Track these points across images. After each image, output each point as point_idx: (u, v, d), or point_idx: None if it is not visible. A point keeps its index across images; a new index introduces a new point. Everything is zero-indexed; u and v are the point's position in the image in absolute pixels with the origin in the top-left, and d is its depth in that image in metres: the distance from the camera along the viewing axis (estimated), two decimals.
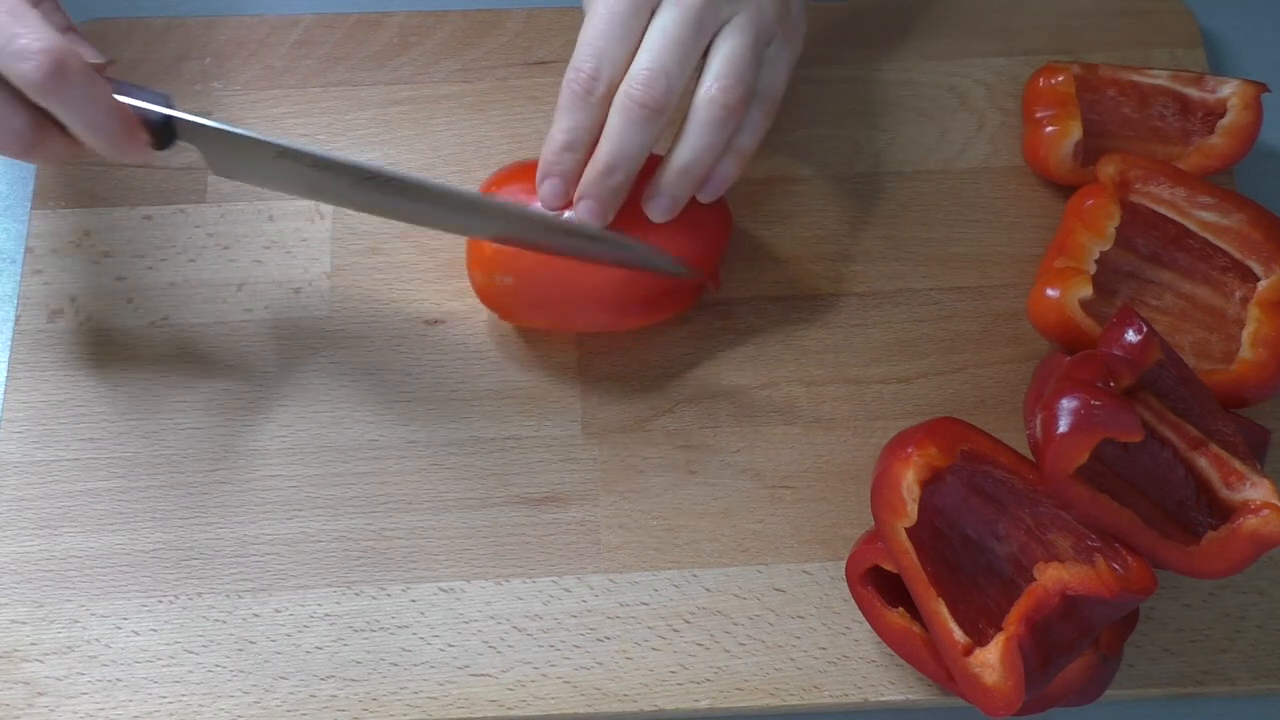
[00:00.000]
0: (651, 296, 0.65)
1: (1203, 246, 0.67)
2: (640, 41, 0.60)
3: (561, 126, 0.61)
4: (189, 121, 0.59)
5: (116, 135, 0.58)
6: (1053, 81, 0.71)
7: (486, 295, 0.66)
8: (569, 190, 0.62)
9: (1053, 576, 0.57)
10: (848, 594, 0.63)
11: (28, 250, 0.71)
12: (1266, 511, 0.56)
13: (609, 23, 0.60)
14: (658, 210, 0.63)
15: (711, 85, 0.61)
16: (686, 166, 0.62)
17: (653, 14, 0.60)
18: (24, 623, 0.63)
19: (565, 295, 0.65)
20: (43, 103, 0.56)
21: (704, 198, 0.64)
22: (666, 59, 0.60)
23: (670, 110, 0.61)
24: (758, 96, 0.63)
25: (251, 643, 0.63)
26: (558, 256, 0.63)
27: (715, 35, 0.61)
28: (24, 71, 0.54)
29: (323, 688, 0.63)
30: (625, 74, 0.60)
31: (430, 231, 0.71)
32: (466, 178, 0.72)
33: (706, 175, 0.63)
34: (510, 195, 0.64)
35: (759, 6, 0.62)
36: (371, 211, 0.64)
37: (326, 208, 0.72)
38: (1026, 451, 0.61)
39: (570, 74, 0.61)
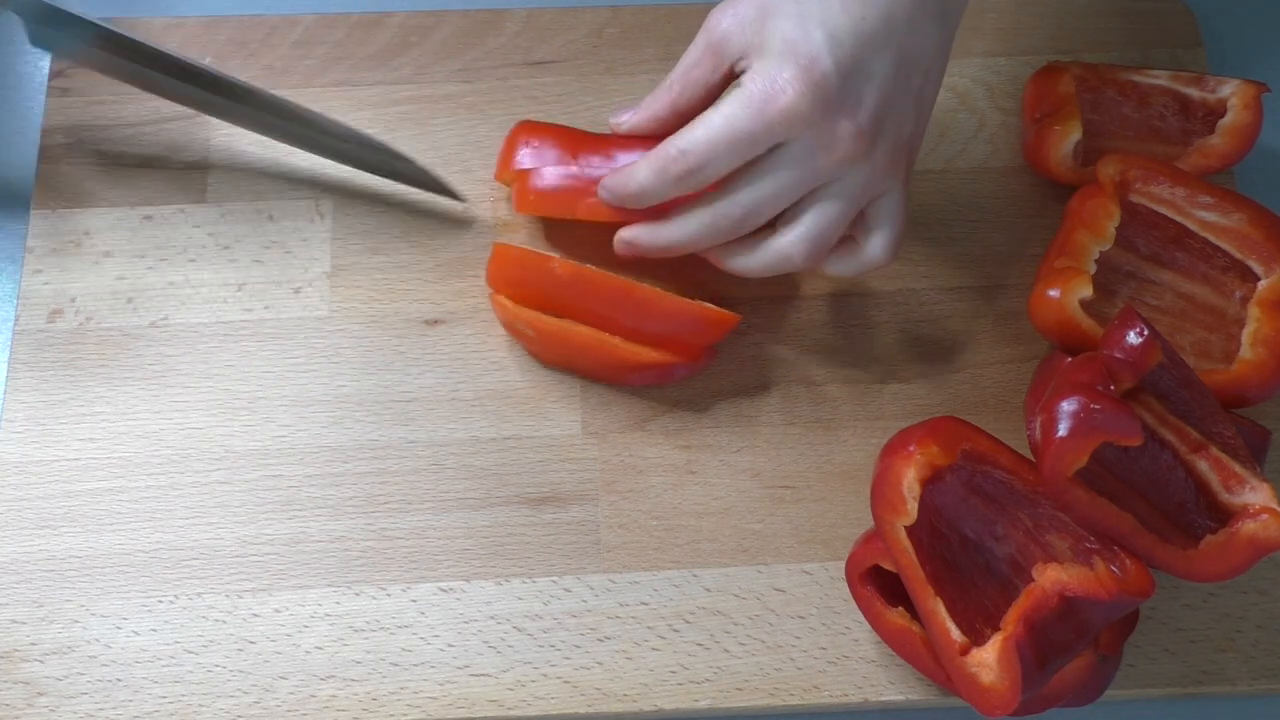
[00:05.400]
0: (661, 364, 0.66)
1: (1203, 246, 0.67)
2: (750, 161, 0.61)
3: (641, 182, 0.63)
4: None
5: None
6: (1053, 81, 0.71)
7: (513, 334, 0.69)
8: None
9: (1051, 577, 0.57)
10: (848, 594, 0.63)
11: (28, 250, 0.71)
12: (1265, 516, 0.56)
13: (738, 141, 0.60)
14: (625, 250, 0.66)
15: (799, 243, 0.62)
16: (728, 267, 0.65)
17: (776, 146, 0.61)
18: (24, 623, 0.63)
19: (577, 356, 0.67)
20: None
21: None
22: (767, 205, 0.62)
23: (748, 232, 0.63)
24: (878, 240, 0.64)
25: (251, 643, 0.63)
26: (575, 321, 0.66)
27: (821, 186, 0.62)
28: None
29: (323, 688, 0.63)
30: (720, 176, 0.61)
31: (430, 231, 0.71)
32: (467, 177, 0.72)
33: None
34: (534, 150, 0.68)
35: (873, 171, 0.61)
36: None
37: (326, 207, 0.72)
38: (1027, 452, 0.61)
39: (675, 150, 0.61)
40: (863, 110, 0.60)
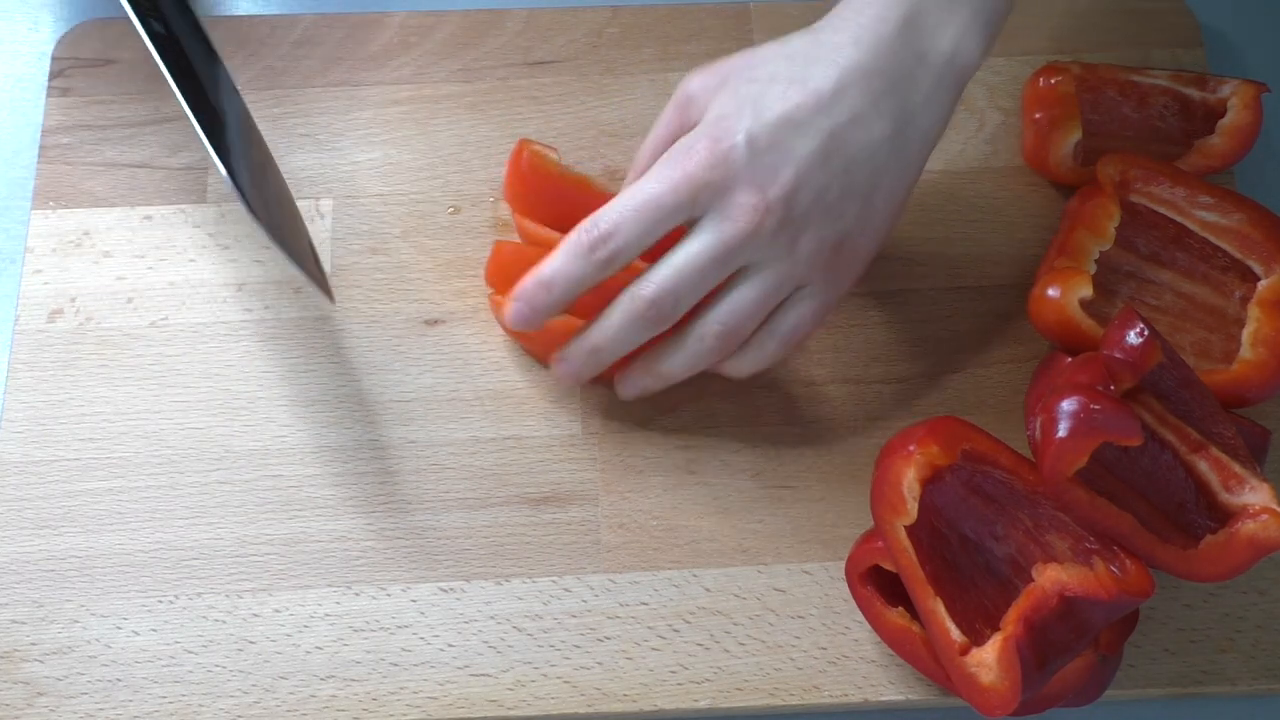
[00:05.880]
0: None
1: (1203, 246, 0.67)
2: (665, 236, 0.61)
3: (554, 266, 0.61)
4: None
5: None
6: (1053, 81, 0.71)
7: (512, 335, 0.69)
8: (534, 322, 0.63)
9: (1051, 577, 0.57)
10: (848, 594, 0.63)
11: (28, 250, 0.71)
12: (1265, 516, 0.56)
13: (645, 206, 0.60)
14: (565, 375, 0.65)
15: (711, 324, 0.62)
16: (661, 376, 0.64)
17: (691, 222, 0.60)
18: (24, 623, 0.63)
19: None
20: None
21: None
22: (683, 283, 0.60)
23: (670, 324, 0.62)
24: (769, 333, 0.63)
25: (251, 643, 0.63)
26: (575, 324, 0.64)
27: (739, 272, 0.61)
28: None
29: (323, 688, 0.63)
30: (635, 252, 0.61)
31: (430, 231, 0.71)
32: (467, 178, 0.72)
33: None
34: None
35: (794, 260, 0.60)
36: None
37: (326, 207, 0.72)
38: (1027, 452, 0.61)
39: (586, 225, 0.61)
40: (773, 186, 0.59)
